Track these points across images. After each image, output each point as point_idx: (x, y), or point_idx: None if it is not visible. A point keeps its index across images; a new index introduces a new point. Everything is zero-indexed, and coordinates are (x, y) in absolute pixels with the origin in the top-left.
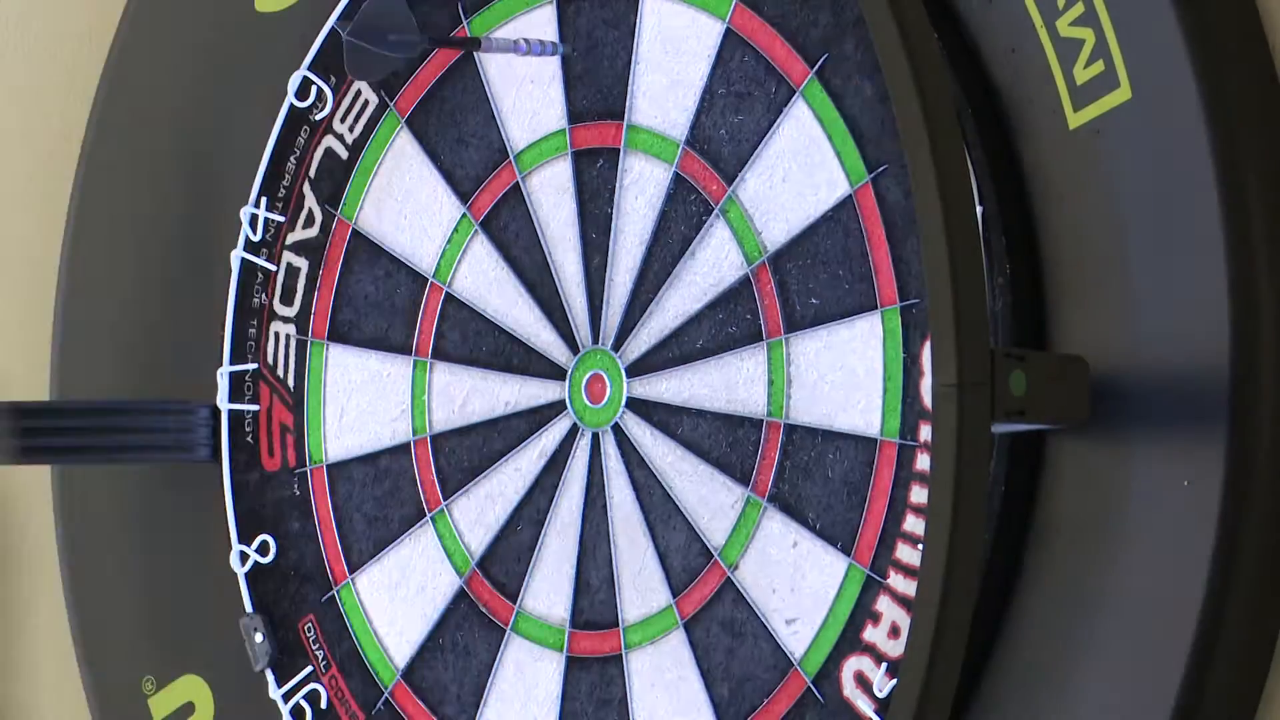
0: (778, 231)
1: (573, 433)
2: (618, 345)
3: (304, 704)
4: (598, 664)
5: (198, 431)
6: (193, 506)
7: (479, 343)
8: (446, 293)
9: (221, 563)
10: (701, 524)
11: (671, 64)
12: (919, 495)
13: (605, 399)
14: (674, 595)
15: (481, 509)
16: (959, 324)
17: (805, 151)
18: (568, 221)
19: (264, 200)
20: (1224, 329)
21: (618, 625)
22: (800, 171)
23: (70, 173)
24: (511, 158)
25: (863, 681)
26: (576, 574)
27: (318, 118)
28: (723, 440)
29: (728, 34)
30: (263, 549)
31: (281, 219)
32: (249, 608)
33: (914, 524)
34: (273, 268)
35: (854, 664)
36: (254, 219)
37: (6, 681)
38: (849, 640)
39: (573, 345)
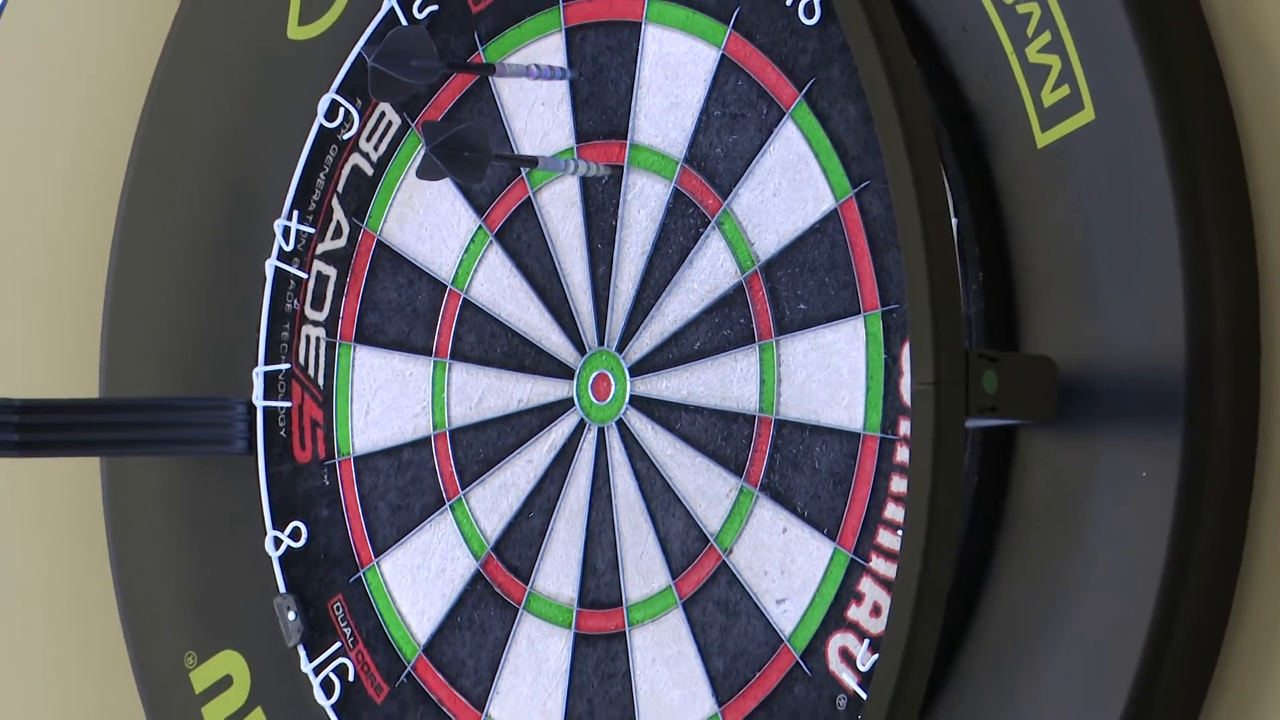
0: (769, 242)
1: (580, 428)
2: (621, 347)
3: (333, 677)
4: (603, 640)
5: (235, 426)
6: (230, 495)
7: (494, 345)
8: (464, 298)
9: (257, 547)
10: (699, 511)
11: (671, 87)
12: (899, 485)
13: (610, 396)
14: (673, 577)
15: (496, 498)
16: (936, 327)
17: (794, 168)
18: (575, 233)
19: (296, 213)
20: (1180, 332)
21: (621, 604)
22: (789, 187)
23: (119, 188)
24: (524, 174)
25: (847, 656)
26: (584, 557)
27: (345, 137)
28: (718, 434)
29: (723, 60)
30: (295, 534)
31: (312, 231)
32: (282, 588)
33: (894, 511)
34: (304, 275)
35: (839, 640)
36: (287, 231)
37: (60, 657)
38: (834, 618)
39: (580, 347)
